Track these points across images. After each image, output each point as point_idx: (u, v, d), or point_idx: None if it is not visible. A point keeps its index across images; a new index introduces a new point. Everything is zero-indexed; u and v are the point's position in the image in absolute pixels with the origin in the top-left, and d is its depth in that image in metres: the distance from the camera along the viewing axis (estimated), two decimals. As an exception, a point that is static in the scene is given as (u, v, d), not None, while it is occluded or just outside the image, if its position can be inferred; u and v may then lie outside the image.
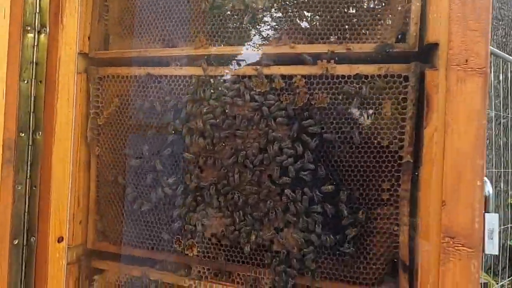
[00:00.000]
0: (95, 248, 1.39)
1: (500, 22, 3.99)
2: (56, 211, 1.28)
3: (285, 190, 1.13)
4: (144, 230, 1.32)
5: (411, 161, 1.05)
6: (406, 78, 1.05)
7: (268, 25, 1.19)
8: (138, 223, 1.33)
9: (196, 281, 1.24)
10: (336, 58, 1.10)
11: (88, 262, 1.39)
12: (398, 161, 1.06)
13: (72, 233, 1.34)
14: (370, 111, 1.09)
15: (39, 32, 1.27)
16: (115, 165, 1.36)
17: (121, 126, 1.35)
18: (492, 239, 0.93)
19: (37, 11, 1.26)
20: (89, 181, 1.39)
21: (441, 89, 0.97)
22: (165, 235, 1.28)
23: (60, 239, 1.30)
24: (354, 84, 1.09)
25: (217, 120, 1.19)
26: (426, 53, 1.03)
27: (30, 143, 1.27)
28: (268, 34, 1.19)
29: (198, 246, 1.24)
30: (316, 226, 1.12)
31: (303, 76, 1.12)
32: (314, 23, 1.15)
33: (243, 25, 1.20)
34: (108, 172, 1.37)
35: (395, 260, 1.09)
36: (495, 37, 3.96)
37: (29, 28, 1.26)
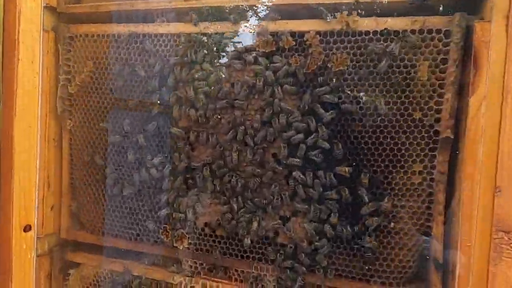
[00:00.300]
0: (70, 238, 1.30)
1: None
2: (21, 196, 1.15)
3: (293, 172, 1.01)
4: (126, 218, 1.21)
5: (451, 137, 0.88)
6: (447, 34, 0.89)
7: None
8: (119, 210, 1.23)
9: (187, 278, 1.14)
10: (360, 10, 0.95)
11: (62, 254, 1.30)
12: (434, 137, 0.92)
13: (42, 221, 1.25)
14: (401, 75, 0.91)
15: (-7, -22, 1.09)
16: (91, 142, 1.24)
17: (97, 96, 1.22)
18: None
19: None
20: (61, 160, 1.29)
21: (495, 46, 0.80)
22: (150, 224, 1.17)
23: (27, 228, 1.18)
24: (382, 42, 0.93)
25: (212, 88, 1.06)
26: (474, 1, 0.86)
27: (-13, 114, 1.12)
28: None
29: (189, 238, 1.13)
30: (331, 215, 0.98)
31: (318, 33, 0.97)
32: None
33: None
34: (83, 150, 1.25)
35: (426, 256, 0.94)
36: None
37: (-20, -27, 1.06)
